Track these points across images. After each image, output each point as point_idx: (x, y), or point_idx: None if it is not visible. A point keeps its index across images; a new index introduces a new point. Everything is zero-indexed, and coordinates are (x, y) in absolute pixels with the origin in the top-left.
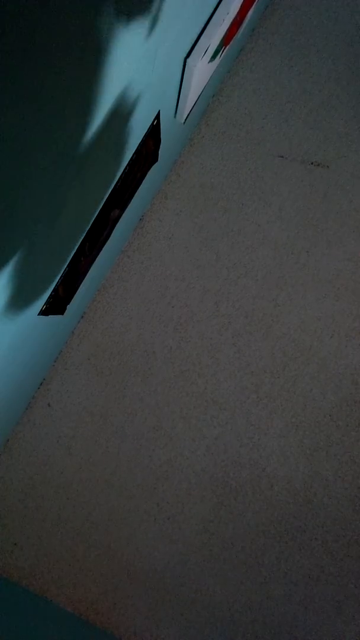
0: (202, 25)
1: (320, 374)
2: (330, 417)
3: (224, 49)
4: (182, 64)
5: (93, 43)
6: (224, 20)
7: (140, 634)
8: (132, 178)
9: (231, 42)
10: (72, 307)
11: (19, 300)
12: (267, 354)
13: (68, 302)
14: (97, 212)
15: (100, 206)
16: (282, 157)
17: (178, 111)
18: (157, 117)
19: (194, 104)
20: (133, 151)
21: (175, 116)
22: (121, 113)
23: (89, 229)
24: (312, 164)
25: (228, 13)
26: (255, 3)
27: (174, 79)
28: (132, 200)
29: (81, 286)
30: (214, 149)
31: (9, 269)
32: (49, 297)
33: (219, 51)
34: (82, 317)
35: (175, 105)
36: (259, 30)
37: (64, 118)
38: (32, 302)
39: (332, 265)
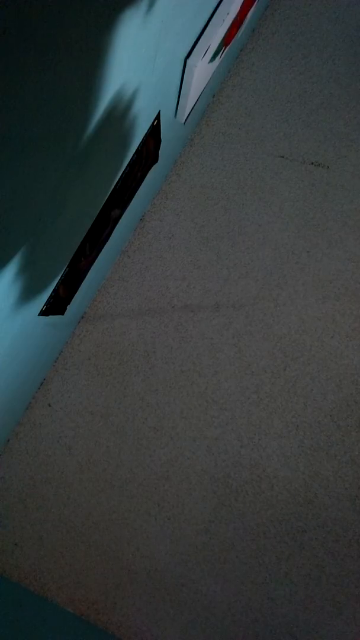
0: (203, 26)
1: (321, 374)
2: (331, 417)
3: (224, 49)
4: (182, 64)
5: (93, 43)
6: (224, 20)
7: (140, 634)
8: (132, 178)
9: (231, 43)
10: (73, 307)
11: (19, 300)
12: (267, 354)
13: (68, 303)
14: (97, 212)
15: (101, 206)
16: (282, 157)
17: (178, 111)
18: (158, 117)
19: (194, 104)
20: (133, 151)
21: (175, 116)
22: (121, 113)
23: (90, 229)
24: (312, 164)
25: (228, 13)
26: (255, 3)
27: (174, 79)
28: (133, 200)
29: (81, 286)
30: (214, 149)
31: (9, 269)
32: (49, 298)
33: (219, 51)
34: (83, 317)
35: (175, 105)
36: (259, 30)
37: (64, 118)
38: (33, 303)
39: (332, 265)
